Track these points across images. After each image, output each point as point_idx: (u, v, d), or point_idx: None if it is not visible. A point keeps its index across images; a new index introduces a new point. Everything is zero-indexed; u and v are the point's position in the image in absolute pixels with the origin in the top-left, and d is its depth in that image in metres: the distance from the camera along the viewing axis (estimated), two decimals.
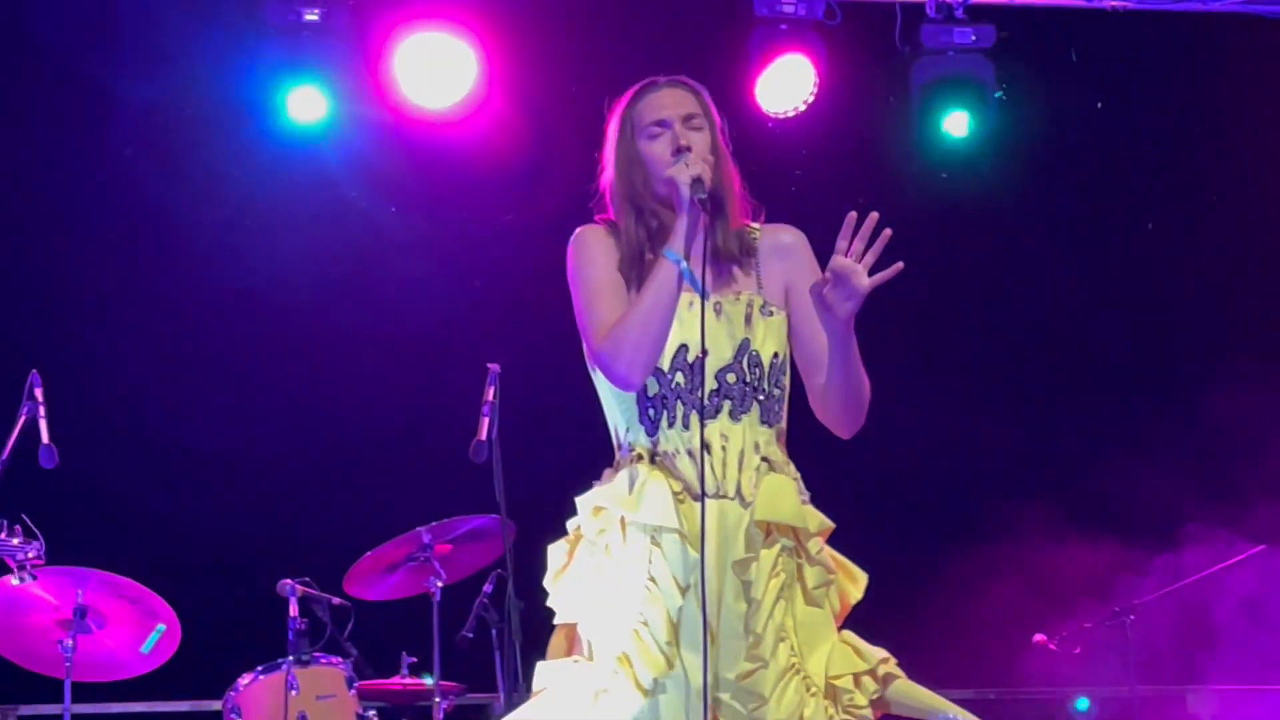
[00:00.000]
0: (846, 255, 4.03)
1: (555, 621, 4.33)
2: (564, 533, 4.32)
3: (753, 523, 4.10)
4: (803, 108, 8.48)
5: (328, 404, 8.70)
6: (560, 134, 8.73)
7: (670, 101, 4.28)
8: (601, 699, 4.07)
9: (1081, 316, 9.21)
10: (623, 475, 4.16)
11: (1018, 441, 8.80)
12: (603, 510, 4.18)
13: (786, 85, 8.34)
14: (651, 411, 4.17)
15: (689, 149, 4.19)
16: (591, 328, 4.18)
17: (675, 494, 4.10)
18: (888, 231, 4.02)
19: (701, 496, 4.08)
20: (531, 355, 7.55)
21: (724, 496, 4.12)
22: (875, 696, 4.21)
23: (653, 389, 4.17)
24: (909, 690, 4.26)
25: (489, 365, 5.48)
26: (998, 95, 8.50)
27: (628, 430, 4.23)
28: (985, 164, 8.97)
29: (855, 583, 4.31)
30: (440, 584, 7.21)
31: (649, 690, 4.04)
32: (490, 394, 5.42)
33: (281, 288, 8.68)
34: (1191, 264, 9.24)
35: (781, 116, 8.52)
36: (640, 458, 4.17)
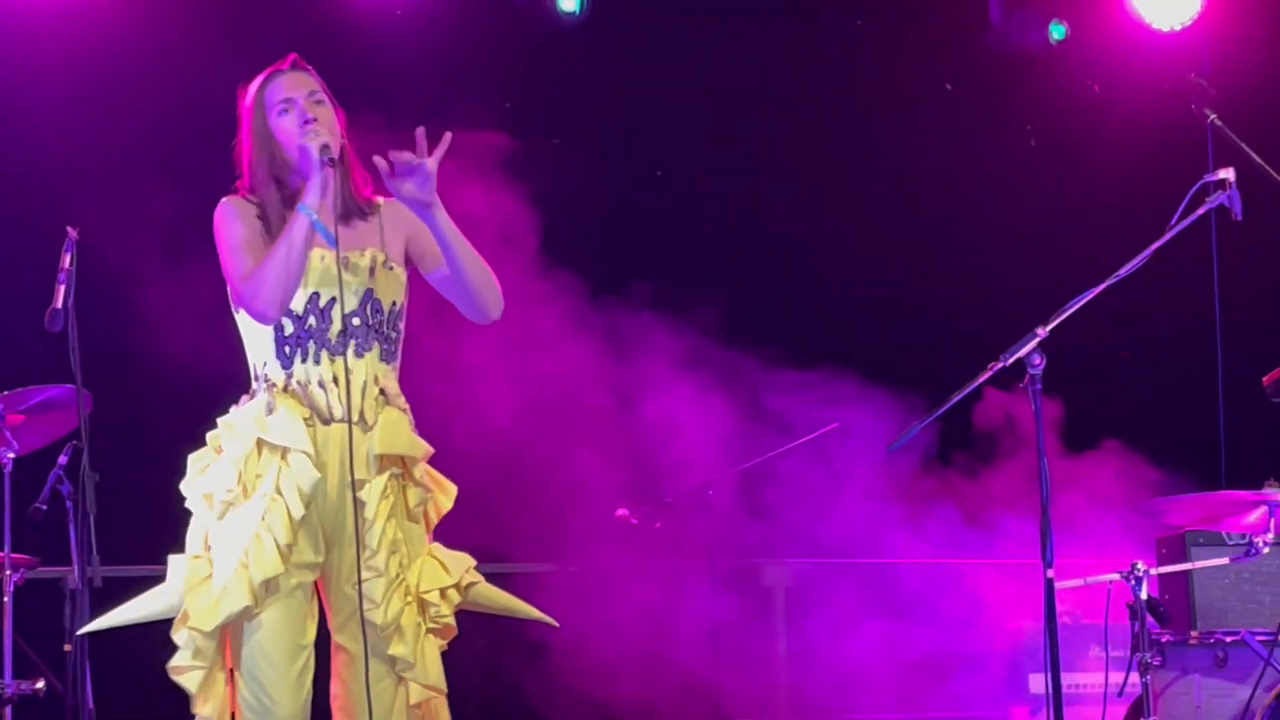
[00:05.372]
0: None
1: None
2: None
3: (372, 451, 4.77)
4: None
5: None
6: None
7: (294, 84, 4.87)
8: (222, 595, 4.64)
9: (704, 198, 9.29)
10: (259, 401, 4.77)
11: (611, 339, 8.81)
12: (240, 430, 4.74)
13: None
14: (287, 349, 4.79)
15: (315, 120, 4.79)
16: (235, 274, 4.75)
17: (305, 419, 4.74)
18: (448, 135, 4.67)
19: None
20: (112, 222, 7.36)
21: (348, 421, 4.72)
22: (458, 605, 4.89)
23: (289, 329, 4.78)
24: (488, 593, 4.98)
25: (67, 230, 5.28)
26: None
27: (265, 364, 4.83)
28: (595, 40, 9.03)
29: (447, 494, 5.00)
30: (12, 455, 7.01)
31: (256, 590, 4.64)
32: (67, 260, 5.23)
33: None
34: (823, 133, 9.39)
35: None
36: (274, 387, 4.78)
